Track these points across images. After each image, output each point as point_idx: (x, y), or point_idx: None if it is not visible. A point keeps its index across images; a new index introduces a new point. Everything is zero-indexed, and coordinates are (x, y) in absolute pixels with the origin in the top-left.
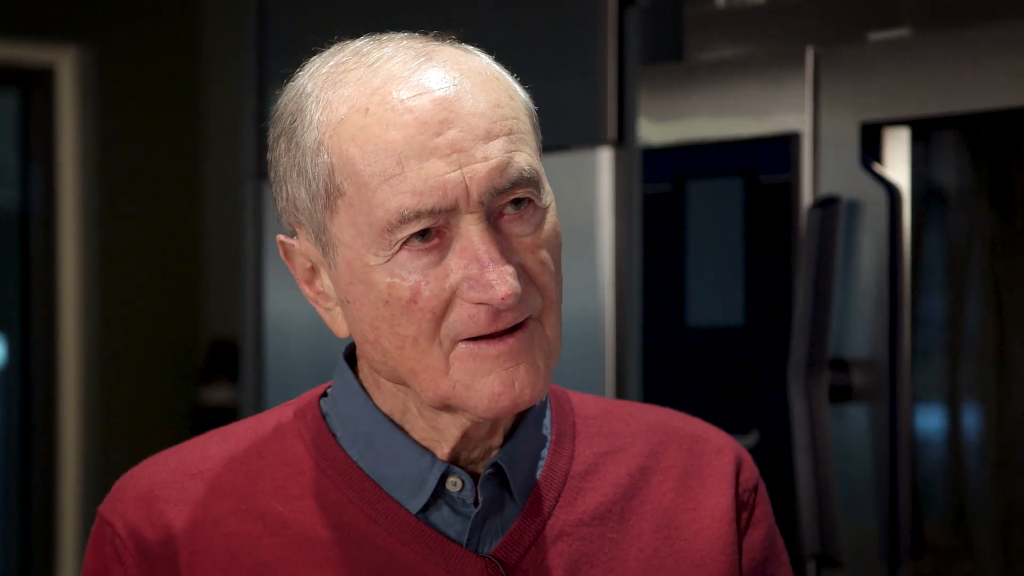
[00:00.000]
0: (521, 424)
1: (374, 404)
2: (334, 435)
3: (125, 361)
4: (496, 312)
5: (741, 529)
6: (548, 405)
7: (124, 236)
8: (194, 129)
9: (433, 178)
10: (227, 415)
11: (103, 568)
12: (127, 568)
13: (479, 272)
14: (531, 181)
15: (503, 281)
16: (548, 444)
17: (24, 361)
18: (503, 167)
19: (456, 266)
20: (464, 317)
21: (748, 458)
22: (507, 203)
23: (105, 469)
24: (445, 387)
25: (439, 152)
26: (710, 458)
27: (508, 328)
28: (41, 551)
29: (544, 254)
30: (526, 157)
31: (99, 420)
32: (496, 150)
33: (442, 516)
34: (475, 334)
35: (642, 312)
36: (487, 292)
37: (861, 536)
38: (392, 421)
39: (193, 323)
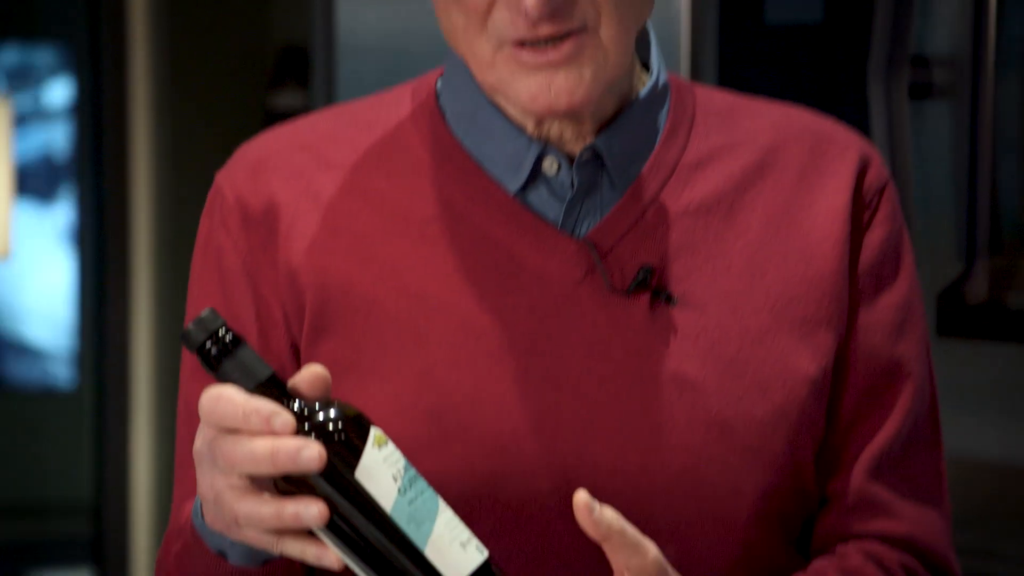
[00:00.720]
0: (626, 111)
1: (477, 82)
2: (443, 114)
3: (195, 68)
4: (533, 21)
5: (861, 228)
6: (668, 96)
7: None
8: None
9: None
10: None
11: (211, 232)
12: (231, 233)
13: None
14: None
15: None
16: (660, 135)
17: (95, 77)
18: None
19: None
20: (505, 20)
21: (877, 159)
22: None
23: (177, 178)
24: (491, 78)
25: None
26: (833, 156)
27: (553, 37)
28: (116, 266)
29: None
30: None
31: (169, 128)
32: None
33: (540, 197)
34: (516, 39)
35: (719, 9)
36: (517, 2)
37: (938, 232)
38: (493, 99)
39: (261, 28)
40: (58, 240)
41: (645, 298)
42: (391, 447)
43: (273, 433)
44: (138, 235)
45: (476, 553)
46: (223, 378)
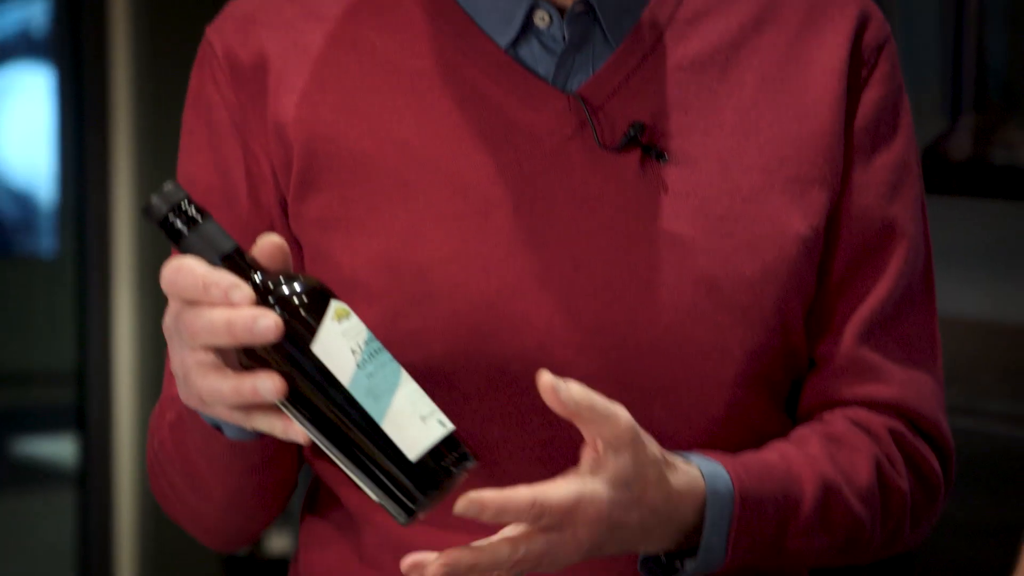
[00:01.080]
0: None
1: None
2: None
3: None
4: None
5: (859, 86)
6: None
7: None
8: None
9: None
10: None
11: (201, 87)
12: (220, 88)
13: None
14: None
15: None
16: None
17: None
18: None
19: None
20: None
21: (877, 15)
22: None
23: (156, 42)
24: None
25: None
26: (832, 12)
27: None
28: (95, 135)
29: None
30: None
31: None
32: None
33: (531, 52)
34: None
35: None
36: None
37: (922, 89)
38: None
39: None
40: (39, 112)
41: (636, 155)
42: (354, 320)
43: (232, 305)
44: (117, 106)
45: (437, 427)
46: (186, 250)
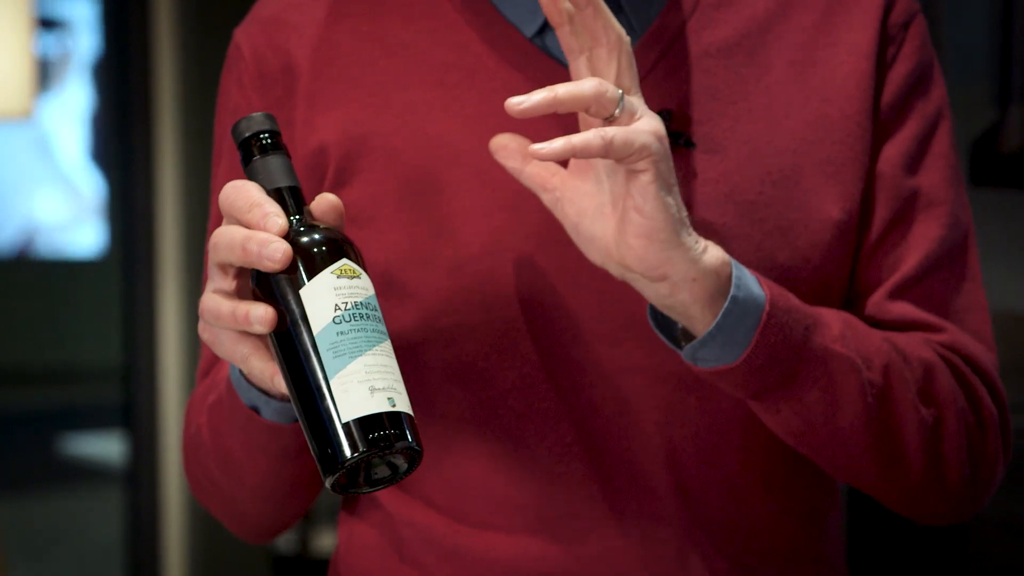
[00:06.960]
0: None
1: None
2: None
3: None
4: None
5: (886, 64)
6: None
7: None
8: None
9: None
10: None
11: (228, 90)
12: (245, 91)
13: None
14: None
15: None
16: None
17: None
18: None
19: None
20: None
21: None
22: None
23: (200, 34)
24: None
25: None
26: None
27: None
28: (140, 131)
29: None
30: None
31: None
32: None
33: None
34: None
35: None
36: None
37: (972, 80)
38: None
39: None
40: (84, 109)
41: None
42: (357, 283)
43: (264, 230)
44: (162, 103)
45: (383, 402)
46: (250, 173)
